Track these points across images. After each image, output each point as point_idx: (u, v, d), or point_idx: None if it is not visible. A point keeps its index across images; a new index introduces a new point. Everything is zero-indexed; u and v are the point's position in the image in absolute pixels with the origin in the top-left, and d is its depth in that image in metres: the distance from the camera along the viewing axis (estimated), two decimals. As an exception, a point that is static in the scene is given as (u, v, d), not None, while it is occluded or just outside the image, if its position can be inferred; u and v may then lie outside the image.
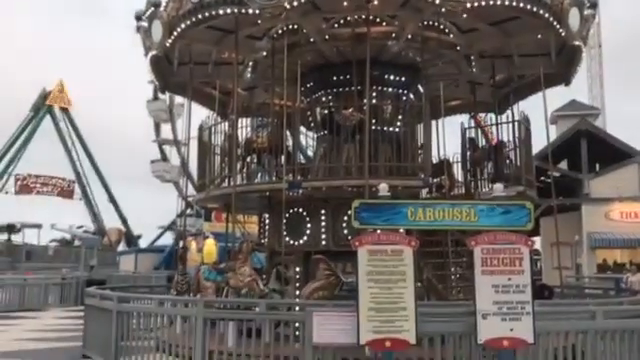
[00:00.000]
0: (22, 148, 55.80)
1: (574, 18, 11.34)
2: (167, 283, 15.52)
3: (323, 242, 11.88)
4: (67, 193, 57.00)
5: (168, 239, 42.96)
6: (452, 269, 11.82)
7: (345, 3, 10.88)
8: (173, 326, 10.15)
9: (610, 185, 25.87)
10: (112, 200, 55.49)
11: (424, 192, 12.32)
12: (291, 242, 12.03)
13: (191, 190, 23.57)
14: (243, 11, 10.30)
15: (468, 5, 9.92)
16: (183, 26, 11.19)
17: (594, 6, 12.44)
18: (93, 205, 55.82)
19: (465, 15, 10.77)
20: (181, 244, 14.35)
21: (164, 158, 43.80)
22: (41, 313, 19.25)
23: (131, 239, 54.31)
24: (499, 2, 10.22)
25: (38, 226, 52.21)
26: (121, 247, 52.28)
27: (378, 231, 7.31)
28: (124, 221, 55.38)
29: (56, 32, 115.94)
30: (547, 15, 10.81)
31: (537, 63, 12.56)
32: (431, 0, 9.82)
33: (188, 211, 27.15)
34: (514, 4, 10.37)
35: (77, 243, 52.29)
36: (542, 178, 20.81)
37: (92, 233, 53.55)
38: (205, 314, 8.75)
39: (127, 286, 15.64)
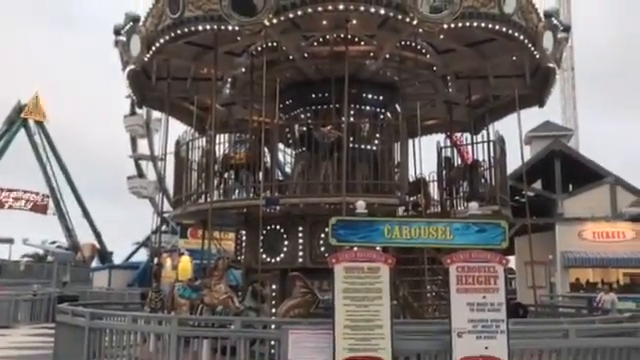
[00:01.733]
0: (-6, 162, 54.74)
1: (548, 41, 11.59)
2: (141, 300, 15.27)
3: (300, 259, 11.84)
4: (40, 208, 55.95)
5: (143, 255, 42.42)
6: (428, 287, 11.86)
7: (324, 22, 10.99)
8: (146, 344, 9.98)
9: (583, 205, 26.30)
10: (86, 215, 54.61)
11: (401, 210, 12.40)
12: (268, 259, 11.97)
13: (167, 206, 23.35)
14: (222, 28, 10.33)
15: (445, 26, 10.09)
16: (162, 41, 11.17)
17: (567, 30, 12.76)
18: (67, 220, 54.86)
19: (442, 36, 10.97)
20: (156, 261, 14.18)
21: (140, 174, 43.41)
22: (10, 330, 18.78)
23: (105, 255, 53.44)
24: (475, 24, 10.40)
25: (10, 241, 51.10)
26: (95, 263, 51.43)
27: (355, 248, 7.31)
28: (98, 237, 54.50)
29: (29, 44, 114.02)
30: (522, 38, 11.04)
31: (512, 84, 12.81)
32: (408, 21, 9.95)
33: (163, 227, 26.86)
34: (490, 26, 10.57)
35: (50, 259, 51.27)
36: (517, 197, 21.11)
37: (65, 249, 52.57)
38: (179, 332, 8.62)
39: (100, 303, 15.37)
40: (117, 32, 12.21)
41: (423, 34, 10.83)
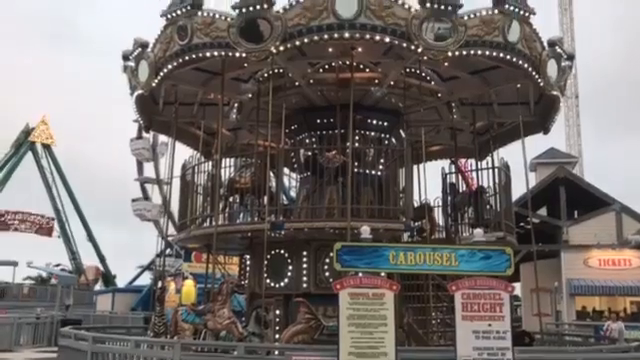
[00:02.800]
0: (1, 185, 55.04)
1: (552, 69, 11.67)
2: (144, 324, 15.22)
3: (304, 285, 11.81)
4: (45, 230, 56.01)
5: (146, 279, 42.26)
6: (433, 314, 11.78)
7: (330, 49, 11.13)
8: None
9: (588, 232, 26.16)
10: (91, 238, 54.66)
11: (406, 236, 12.38)
12: (272, 284, 11.94)
13: (171, 230, 23.38)
14: (230, 54, 10.47)
15: (449, 54, 10.20)
16: (170, 67, 11.30)
17: (571, 58, 12.86)
18: (71, 243, 54.89)
19: (446, 64, 11.07)
20: (159, 284, 14.15)
21: (145, 197, 43.44)
22: (12, 354, 18.65)
23: (109, 278, 53.31)
24: (479, 52, 10.51)
25: (14, 264, 51.05)
26: (98, 286, 51.24)
27: (360, 274, 7.31)
28: (102, 260, 54.45)
29: (34, 64, 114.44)
30: (526, 66, 11.13)
31: (516, 111, 12.86)
32: (413, 49, 10.07)
33: (168, 251, 26.84)
34: (494, 54, 10.67)
35: (53, 281, 51.14)
36: (522, 224, 21.01)
37: (69, 271, 52.47)
38: (182, 357, 8.59)
39: (103, 326, 15.29)
40: (126, 58, 12.38)
41: (427, 61, 10.94)
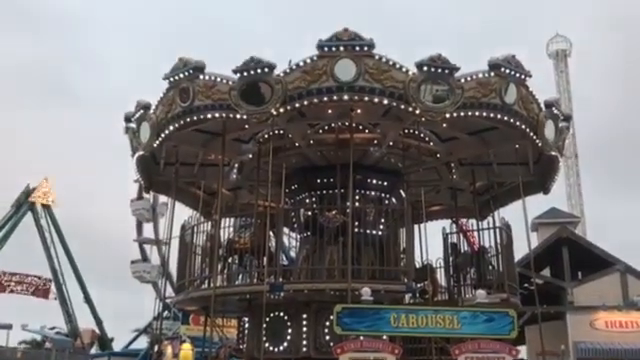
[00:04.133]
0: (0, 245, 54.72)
1: (549, 130, 11.81)
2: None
3: (304, 348, 11.52)
4: (42, 292, 55.15)
5: (143, 343, 41.34)
6: (437, 379, 11.43)
7: (329, 111, 11.29)
8: None
9: (593, 293, 25.74)
10: (88, 300, 53.80)
11: (407, 297, 12.17)
12: (271, 348, 11.65)
13: (170, 291, 23.06)
14: (231, 116, 10.62)
15: (447, 116, 10.33)
16: (171, 128, 11.43)
17: (568, 119, 13.03)
18: (68, 305, 54.01)
19: (444, 125, 11.20)
20: (156, 348, 13.81)
21: (144, 258, 43.12)
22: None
23: (105, 342, 52.13)
24: (477, 113, 10.66)
25: (8, 327, 50.05)
26: (94, 350, 50.06)
27: (361, 337, 7.14)
28: (99, 322, 53.41)
29: (31, 123, 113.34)
30: (523, 127, 11.25)
31: (516, 171, 12.91)
32: (411, 110, 10.22)
33: (165, 313, 26.37)
34: (491, 116, 10.82)
35: (48, 345, 50.00)
36: (525, 285, 20.72)
37: (65, 334, 51.38)
38: None
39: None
40: (127, 119, 12.54)
41: (426, 123, 11.07)
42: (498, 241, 13.05)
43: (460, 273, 13.49)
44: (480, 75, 10.55)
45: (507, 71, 10.66)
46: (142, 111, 12.04)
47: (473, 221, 14.53)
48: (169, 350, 21.75)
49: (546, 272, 29.10)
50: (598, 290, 25.76)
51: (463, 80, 10.38)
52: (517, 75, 10.83)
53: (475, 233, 14.20)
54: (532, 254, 14.17)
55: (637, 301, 25.35)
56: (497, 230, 13.13)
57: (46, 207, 56.75)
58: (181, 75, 10.89)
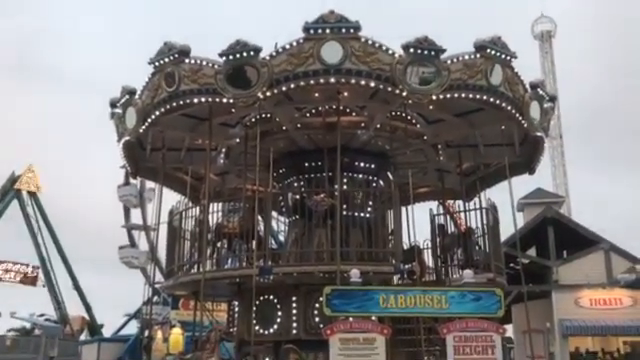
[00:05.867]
0: (-14, 233, 54.19)
1: (535, 111, 11.89)
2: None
3: (294, 331, 11.62)
4: (30, 280, 54.90)
5: (133, 328, 41.37)
6: (425, 358, 11.58)
7: (316, 94, 11.28)
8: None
9: (578, 272, 26.13)
10: (77, 287, 53.64)
11: (395, 278, 12.29)
12: (261, 331, 11.74)
13: (159, 277, 23.06)
14: (217, 100, 10.57)
15: (433, 98, 10.37)
16: (157, 113, 11.36)
17: (553, 100, 13.12)
18: (57, 292, 53.81)
19: (431, 107, 11.25)
20: (146, 333, 13.86)
21: (132, 244, 43.01)
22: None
23: (95, 328, 52.09)
24: (463, 95, 10.71)
25: (-3, 315, 49.81)
26: (84, 336, 50.01)
27: (350, 319, 7.22)
28: (88, 309, 53.31)
29: (15, 106, 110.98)
30: (509, 108, 11.33)
31: (502, 152, 13.00)
32: (398, 93, 10.24)
33: (155, 298, 26.37)
34: (477, 97, 10.87)
35: (37, 332, 49.88)
36: (511, 265, 20.98)
37: (54, 321, 51.27)
38: (169, 408, 8.35)
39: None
40: (113, 105, 12.44)
41: (412, 105, 11.11)
42: (484, 222, 13.17)
43: (447, 254, 13.62)
44: (466, 57, 10.59)
45: (493, 52, 10.71)
46: (127, 96, 11.94)
47: (460, 202, 14.67)
48: (159, 335, 21.86)
49: (532, 252, 29.44)
50: (583, 269, 26.14)
51: (449, 62, 10.41)
52: (503, 56, 10.88)
53: (462, 214, 14.34)
54: (518, 234, 14.31)
55: (621, 279, 25.77)
56: (483, 211, 13.24)
57: (32, 194, 56.24)
58: (166, 59, 10.82)
